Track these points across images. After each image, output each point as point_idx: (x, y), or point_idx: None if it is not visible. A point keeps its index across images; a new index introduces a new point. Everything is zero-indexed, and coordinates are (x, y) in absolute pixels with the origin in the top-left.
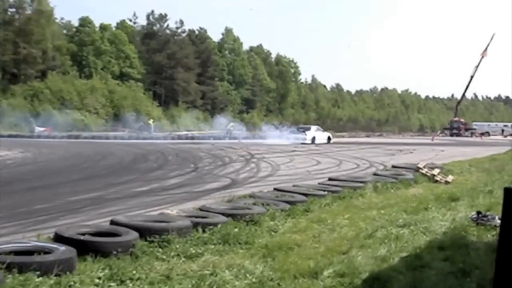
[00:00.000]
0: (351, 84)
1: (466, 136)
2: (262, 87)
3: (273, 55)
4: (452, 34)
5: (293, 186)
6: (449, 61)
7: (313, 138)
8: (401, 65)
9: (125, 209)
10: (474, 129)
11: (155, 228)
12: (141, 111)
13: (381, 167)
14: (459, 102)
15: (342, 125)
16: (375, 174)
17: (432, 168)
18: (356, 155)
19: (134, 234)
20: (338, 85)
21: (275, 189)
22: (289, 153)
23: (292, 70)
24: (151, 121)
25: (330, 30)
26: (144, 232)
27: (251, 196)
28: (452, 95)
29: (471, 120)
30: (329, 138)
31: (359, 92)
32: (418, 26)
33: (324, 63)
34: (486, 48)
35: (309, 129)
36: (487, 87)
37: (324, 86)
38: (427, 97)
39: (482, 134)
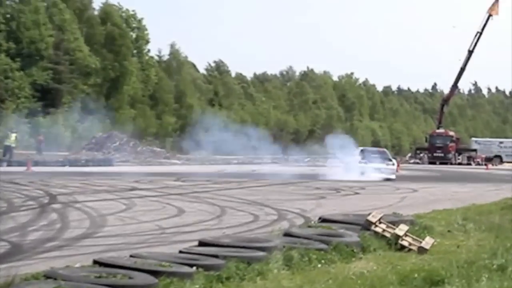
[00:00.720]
0: (244, 63)
1: (459, 164)
2: (75, 65)
3: (97, 5)
4: None
5: (131, 256)
6: (426, 22)
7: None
8: (339, 32)
9: None
10: (474, 150)
11: None
12: None
13: (300, 221)
14: (446, 99)
15: (232, 140)
16: (287, 235)
17: (395, 224)
18: (252, 198)
19: None
20: (219, 64)
21: (96, 262)
22: (123, 193)
23: (133, 34)
24: None
25: None
26: None
27: (49, 276)
28: (434, 86)
29: (467, 134)
30: None
31: (260, 78)
32: None
33: (193, 25)
34: (496, 1)
35: (385, 153)
36: (498, 72)
37: (194, 66)
38: (387, 89)
39: (488, 159)
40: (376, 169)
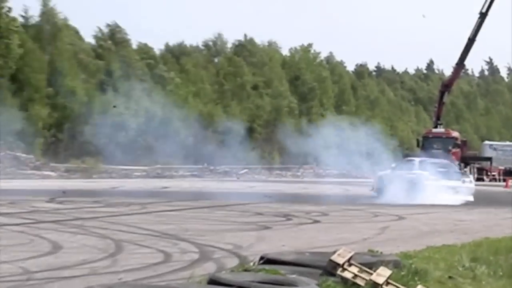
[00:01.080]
0: (151, 29)
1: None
2: None
3: None
4: None
5: None
6: None
7: None
8: None
9: None
10: (488, 158)
11: None
12: None
13: (232, 262)
14: (448, 84)
15: (132, 143)
16: (214, 282)
17: (372, 267)
18: (163, 228)
19: None
20: (114, 30)
21: None
22: None
23: None
24: None
25: None
26: None
27: None
28: (429, 65)
29: (478, 135)
30: None
31: (174, 52)
32: None
33: None
34: None
35: (453, 167)
36: None
37: (77, 33)
38: (361, 69)
39: (508, 172)
40: (451, 188)
